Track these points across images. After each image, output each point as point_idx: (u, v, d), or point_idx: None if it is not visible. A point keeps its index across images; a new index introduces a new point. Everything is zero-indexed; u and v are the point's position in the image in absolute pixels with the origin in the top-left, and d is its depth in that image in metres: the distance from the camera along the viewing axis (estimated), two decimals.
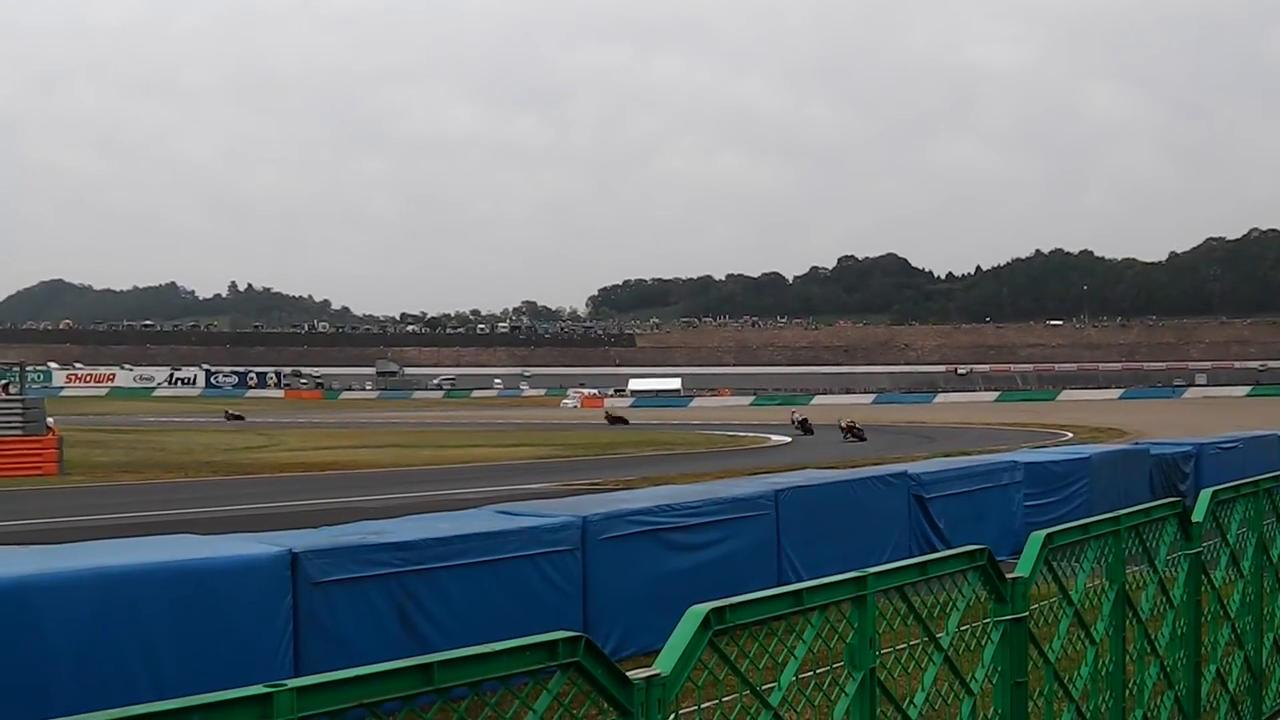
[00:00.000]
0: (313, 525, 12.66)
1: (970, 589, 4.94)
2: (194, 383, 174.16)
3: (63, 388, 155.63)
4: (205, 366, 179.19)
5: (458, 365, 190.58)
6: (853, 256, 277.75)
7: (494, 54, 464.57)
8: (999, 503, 19.96)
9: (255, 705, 2.55)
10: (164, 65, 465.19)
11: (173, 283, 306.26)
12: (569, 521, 12.23)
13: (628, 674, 3.26)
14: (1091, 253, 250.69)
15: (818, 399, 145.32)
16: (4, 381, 49.91)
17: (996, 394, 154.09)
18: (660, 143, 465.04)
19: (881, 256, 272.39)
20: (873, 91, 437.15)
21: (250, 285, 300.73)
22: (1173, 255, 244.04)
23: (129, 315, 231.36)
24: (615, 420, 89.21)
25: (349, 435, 68.43)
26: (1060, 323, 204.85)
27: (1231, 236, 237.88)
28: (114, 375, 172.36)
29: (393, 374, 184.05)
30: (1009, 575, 5.11)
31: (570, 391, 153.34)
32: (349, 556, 10.21)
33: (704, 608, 3.52)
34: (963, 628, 4.88)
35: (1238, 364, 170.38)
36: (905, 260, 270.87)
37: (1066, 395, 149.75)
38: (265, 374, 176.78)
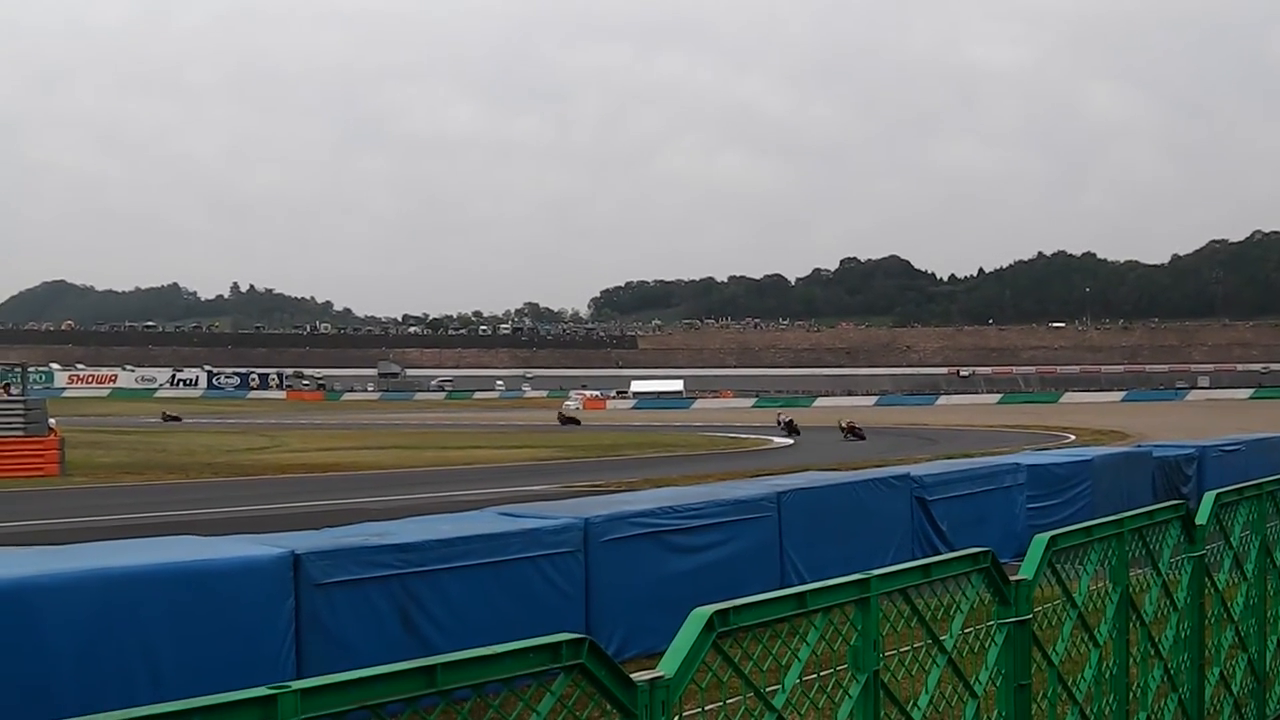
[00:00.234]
0: (315, 527, 12.66)
1: (974, 591, 4.93)
2: (196, 384, 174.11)
3: (64, 389, 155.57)
4: (207, 368, 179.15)
5: (459, 367, 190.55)
6: (855, 258, 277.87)
7: (495, 53, 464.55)
8: (1001, 505, 19.95)
9: (259, 707, 2.55)
10: (165, 64, 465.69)
11: (175, 284, 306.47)
12: (571, 523, 12.23)
13: (631, 676, 3.25)
14: (1094, 255, 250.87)
15: (820, 401, 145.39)
16: (6, 382, 49.92)
17: (999, 396, 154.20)
18: (662, 142, 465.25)
19: (884, 258, 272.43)
20: (874, 91, 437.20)
21: (252, 286, 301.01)
22: (1175, 257, 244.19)
23: (131, 316, 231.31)
24: (567, 421, 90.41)
25: (351, 436, 68.42)
26: (1062, 325, 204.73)
27: (1234, 239, 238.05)
28: (116, 376, 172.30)
29: (394, 375, 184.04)
30: (1012, 578, 5.11)
31: (572, 393, 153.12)
32: (351, 558, 10.21)
33: (708, 610, 3.51)
34: (966, 630, 4.87)
35: (1240, 367, 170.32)
36: (908, 262, 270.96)
37: (1069, 398, 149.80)
38: (267, 375, 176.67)
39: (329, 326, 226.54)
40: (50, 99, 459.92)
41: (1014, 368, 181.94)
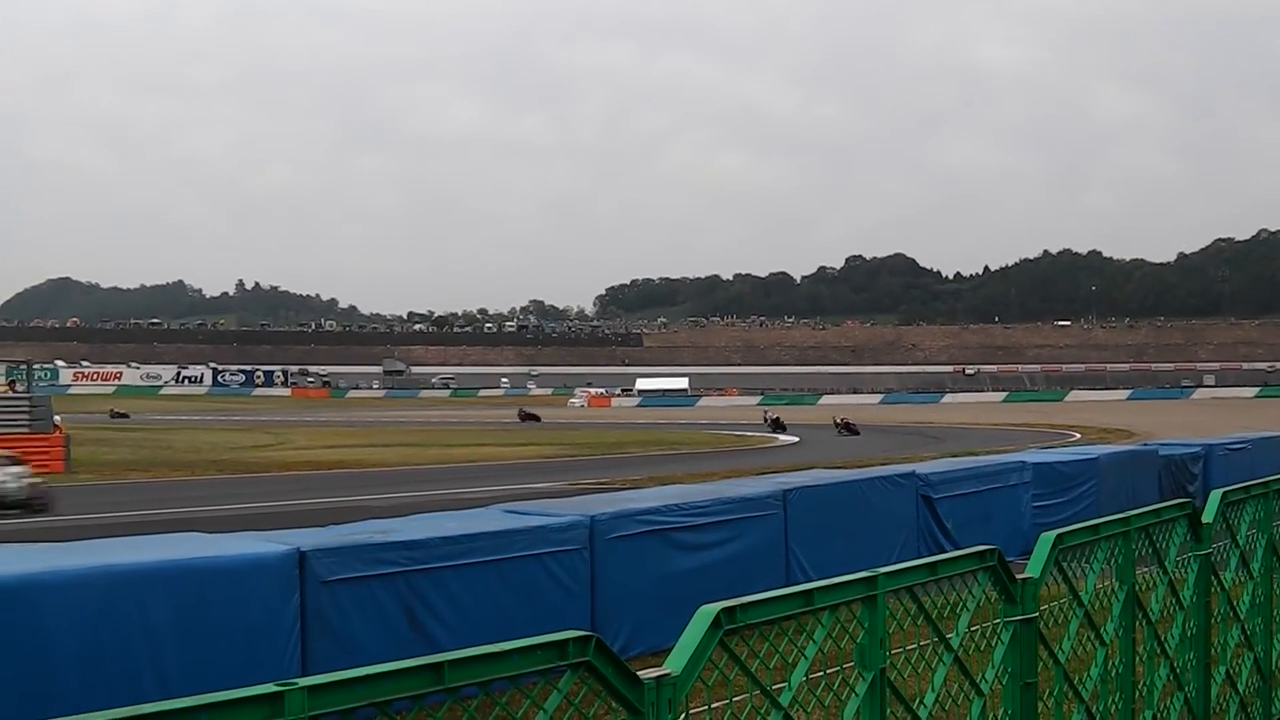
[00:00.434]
0: (320, 524, 12.67)
1: (980, 589, 4.92)
2: (201, 381, 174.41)
3: (70, 386, 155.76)
4: (212, 365, 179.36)
5: (464, 364, 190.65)
6: (860, 256, 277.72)
7: (501, 51, 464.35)
8: (1007, 503, 19.95)
9: (265, 704, 2.55)
10: (170, 62, 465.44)
11: (180, 281, 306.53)
12: (576, 521, 12.24)
13: (638, 674, 3.25)
14: (1100, 253, 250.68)
15: (825, 399, 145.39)
16: (11, 379, 49.91)
17: (1004, 394, 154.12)
18: (667, 141, 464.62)
19: (889, 256, 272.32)
20: (879, 90, 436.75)
21: (258, 284, 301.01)
22: (1181, 256, 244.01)
23: (136, 313, 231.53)
24: (527, 418, 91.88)
25: (356, 434, 68.50)
26: (1068, 323, 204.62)
27: (1240, 237, 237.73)
28: (121, 373, 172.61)
29: (399, 373, 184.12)
30: (1019, 576, 5.10)
31: (577, 391, 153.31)
32: (356, 555, 10.21)
33: (714, 607, 3.50)
34: (973, 628, 4.87)
35: (1246, 365, 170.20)
36: (913, 260, 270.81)
37: (1074, 396, 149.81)
38: (272, 372, 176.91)
39: (334, 324, 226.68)
40: (55, 97, 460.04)
41: (1019, 366, 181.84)
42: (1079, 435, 57.71)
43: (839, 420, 70.12)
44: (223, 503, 27.84)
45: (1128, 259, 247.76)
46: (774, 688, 3.70)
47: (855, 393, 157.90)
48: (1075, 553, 5.73)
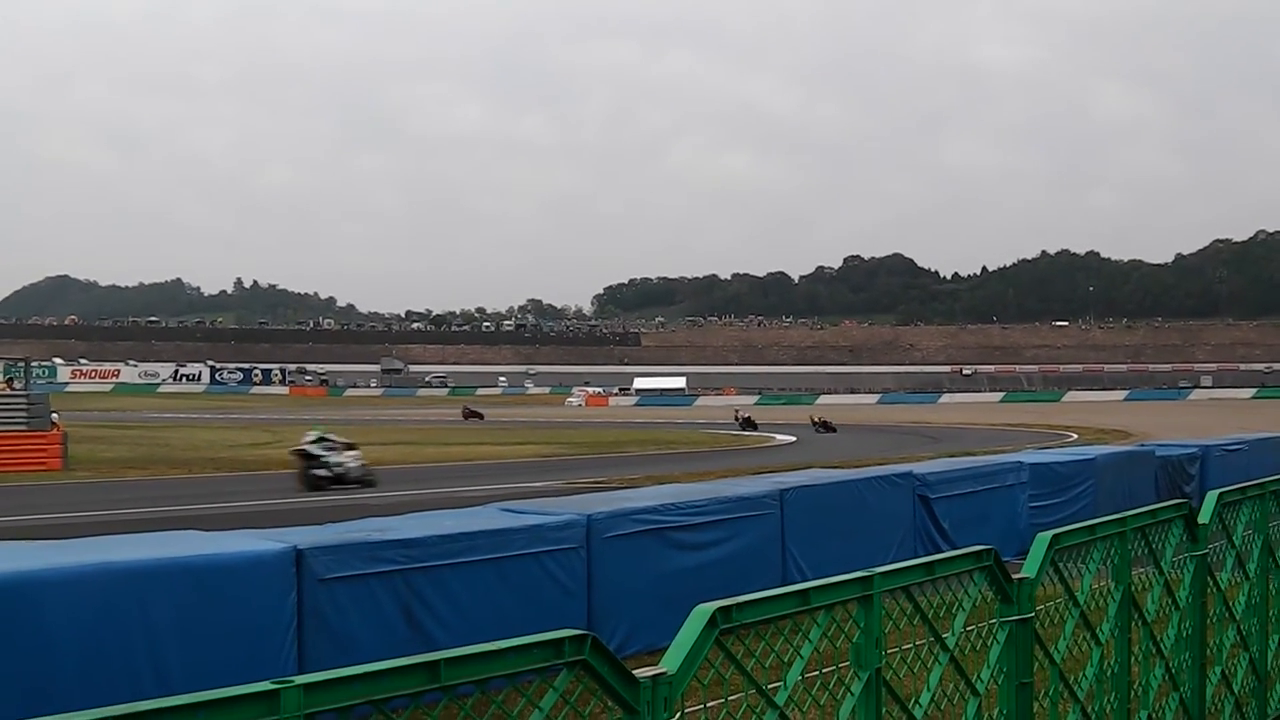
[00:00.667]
0: (318, 522, 12.67)
1: (976, 589, 4.93)
2: (199, 379, 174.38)
3: (68, 383, 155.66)
4: (210, 363, 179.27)
5: (462, 363, 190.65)
6: (858, 256, 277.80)
7: (502, 50, 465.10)
8: (1004, 503, 19.96)
9: (262, 702, 2.55)
10: (171, 61, 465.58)
11: (178, 279, 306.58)
12: (574, 519, 12.24)
13: (634, 672, 3.25)
14: (1098, 254, 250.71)
15: (823, 399, 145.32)
16: (9, 377, 49.97)
17: (1001, 395, 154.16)
18: (667, 141, 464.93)
19: (887, 256, 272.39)
20: (880, 90, 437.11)
21: (256, 282, 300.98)
22: (1179, 257, 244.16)
23: (134, 311, 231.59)
24: (471, 415, 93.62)
25: (354, 432, 68.27)
26: (1066, 324, 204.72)
27: (1238, 238, 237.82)
28: (119, 371, 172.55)
29: (397, 371, 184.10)
30: (1015, 576, 5.11)
31: (575, 390, 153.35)
32: (354, 553, 10.21)
33: (711, 606, 3.51)
34: (968, 628, 4.88)
35: (1243, 366, 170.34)
36: (911, 260, 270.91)
37: (1071, 396, 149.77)
38: (270, 371, 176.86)
39: (332, 322, 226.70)
40: (56, 96, 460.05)
41: (1017, 366, 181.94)
42: (1076, 436, 57.71)
43: (816, 419, 72.23)
44: (220, 501, 27.83)
45: (1126, 260, 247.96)
46: (770, 687, 3.70)
47: (853, 392, 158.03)
48: (1071, 553, 5.74)
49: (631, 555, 12.69)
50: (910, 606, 4.52)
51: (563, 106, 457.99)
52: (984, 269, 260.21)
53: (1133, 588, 6.24)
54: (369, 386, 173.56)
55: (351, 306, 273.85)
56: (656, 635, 11.61)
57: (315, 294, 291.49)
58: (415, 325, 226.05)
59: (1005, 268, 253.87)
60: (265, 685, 2.57)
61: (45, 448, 37.07)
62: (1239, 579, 7.71)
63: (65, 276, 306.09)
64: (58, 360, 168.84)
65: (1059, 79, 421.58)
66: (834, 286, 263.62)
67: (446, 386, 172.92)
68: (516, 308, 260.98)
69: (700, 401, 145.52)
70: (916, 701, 4.48)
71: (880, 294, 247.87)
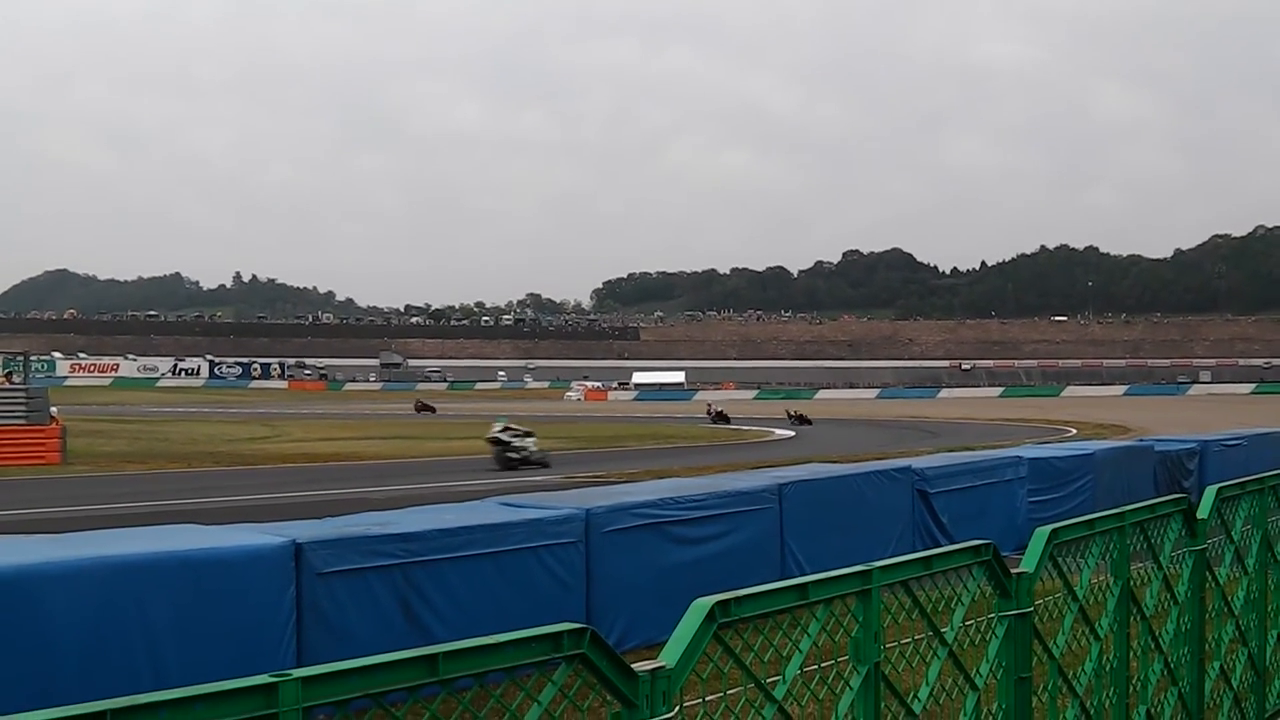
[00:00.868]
0: (317, 516, 12.67)
1: (975, 584, 4.93)
2: (198, 374, 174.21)
3: (66, 378, 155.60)
4: (209, 357, 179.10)
5: (462, 357, 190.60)
6: (858, 251, 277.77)
7: (501, 48, 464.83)
8: (1003, 498, 19.97)
9: (260, 695, 2.55)
10: (171, 59, 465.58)
11: (177, 273, 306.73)
12: (572, 514, 12.23)
13: (633, 666, 3.25)
14: (1097, 249, 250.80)
15: (822, 393, 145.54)
16: (8, 371, 49.88)
17: (1000, 390, 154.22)
18: (667, 137, 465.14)
19: (886, 251, 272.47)
20: (880, 87, 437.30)
21: (255, 276, 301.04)
22: (1178, 252, 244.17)
23: (133, 306, 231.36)
24: (423, 409, 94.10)
25: (353, 426, 68.47)
26: (1065, 319, 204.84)
27: (1237, 234, 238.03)
28: (118, 365, 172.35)
29: (396, 366, 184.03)
30: (1014, 570, 5.11)
31: (574, 384, 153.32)
32: (353, 548, 10.21)
33: (709, 600, 3.51)
34: (967, 623, 4.88)
35: (1242, 361, 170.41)
36: (910, 255, 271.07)
37: (1070, 391, 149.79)
38: (269, 365, 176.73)
39: (331, 317, 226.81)
40: (56, 93, 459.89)
41: (1016, 361, 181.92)
42: (1075, 431, 57.77)
43: (792, 412, 74.75)
44: (219, 494, 27.84)
45: (1125, 255, 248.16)
46: (768, 681, 3.70)
47: (851, 387, 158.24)
48: (1070, 548, 5.74)
49: (630, 550, 12.69)
50: (909, 601, 4.52)
51: (562, 104, 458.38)
52: (983, 264, 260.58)
53: (1131, 583, 6.24)
54: (368, 381, 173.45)
55: (350, 301, 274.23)
56: (655, 630, 11.63)
57: (314, 288, 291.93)
58: (414, 320, 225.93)
59: (1004, 263, 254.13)
60: (264, 678, 2.57)
61: (44, 442, 37.06)
62: (1237, 574, 7.71)
63: (64, 271, 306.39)
64: (56, 354, 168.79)
65: (1059, 78, 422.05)
66: (833, 281, 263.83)
67: (445, 381, 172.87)
68: (515, 302, 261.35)
69: (699, 396, 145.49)
70: (915, 696, 4.48)
71: (879, 289, 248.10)
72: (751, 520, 14.54)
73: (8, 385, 43.63)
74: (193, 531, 10.64)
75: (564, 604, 11.53)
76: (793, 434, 60.74)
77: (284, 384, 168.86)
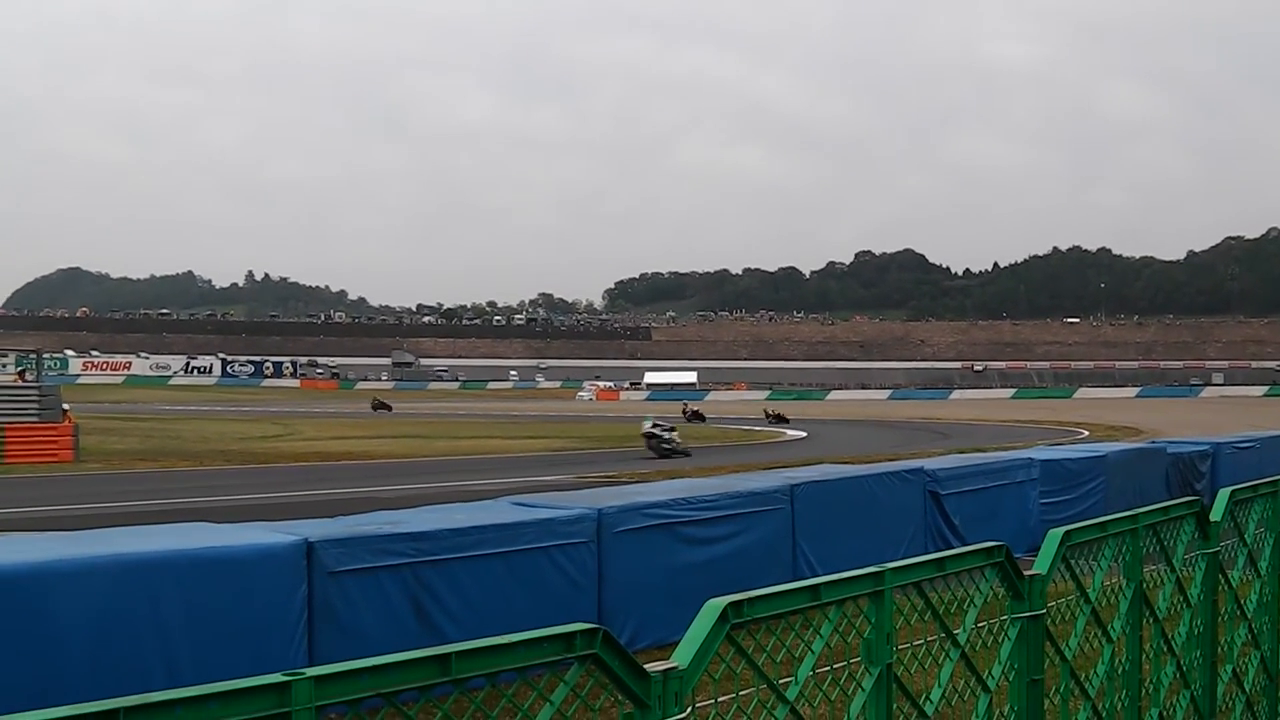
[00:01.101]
0: (328, 515, 12.68)
1: (988, 586, 4.92)
2: (210, 372, 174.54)
3: (79, 375, 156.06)
4: (221, 356, 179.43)
5: (473, 357, 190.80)
6: (870, 252, 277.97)
7: (515, 45, 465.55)
8: (1015, 500, 19.93)
9: (273, 694, 2.55)
10: (185, 53, 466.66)
11: (190, 272, 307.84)
12: (584, 514, 12.23)
13: (645, 667, 3.25)
14: (1109, 251, 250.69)
15: (833, 394, 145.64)
16: (21, 369, 49.98)
17: (1012, 391, 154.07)
18: (679, 135, 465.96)
19: (899, 252, 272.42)
20: (892, 87, 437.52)
21: (267, 275, 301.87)
22: (1191, 254, 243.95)
23: (146, 304, 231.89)
24: (379, 407, 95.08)
25: (365, 425, 68.55)
26: (1077, 320, 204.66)
27: (1250, 236, 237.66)
28: (130, 363, 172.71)
29: (408, 365, 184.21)
30: (1026, 573, 5.10)
31: (586, 384, 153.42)
32: (365, 546, 10.22)
33: (722, 601, 3.50)
34: (980, 624, 4.87)
35: (1255, 364, 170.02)
36: (922, 256, 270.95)
37: (1083, 393, 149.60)
38: (281, 364, 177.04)
39: (343, 315, 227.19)
40: (69, 87, 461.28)
41: (1028, 363, 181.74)
42: (1087, 433, 57.64)
43: (770, 412, 76.08)
44: (231, 493, 27.88)
45: (1137, 256, 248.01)
46: (781, 682, 3.70)
47: (863, 388, 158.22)
48: (1083, 550, 5.73)
49: (642, 550, 12.69)
50: (922, 602, 4.51)
51: (575, 101, 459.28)
52: (995, 265, 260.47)
53: (1144, 585, 6.23)
54: (380, 380, 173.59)
55: (363, 300, 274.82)
56: (666, 630, 11.64)
57: (327, 287, 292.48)
58: (426, 319, 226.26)
59: (1017, 264, 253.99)
60: (276, 677, 2.56)
61: (56, 439, 37.15)
62: (1250, 577, 7.68)
63: (77, 269, 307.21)
64: (69, 352, 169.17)
65: (1072, 77, 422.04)
66: (845, 282, 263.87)
67: (457, 380, 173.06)
68: (528, 302, 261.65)
69: (711, 396, 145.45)
70: (927, 698, 4.47)
71: (891, 289, 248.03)
72: (763, 521, 14.53)
73: (20, 383, 43.75)
74: (204, 530, 10.65)
75: (575, 604, 11.53)
76: (804, 434, 60.67)
77: (296, 382, 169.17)
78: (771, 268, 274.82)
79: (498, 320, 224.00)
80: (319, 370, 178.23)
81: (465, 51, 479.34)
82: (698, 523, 13.56)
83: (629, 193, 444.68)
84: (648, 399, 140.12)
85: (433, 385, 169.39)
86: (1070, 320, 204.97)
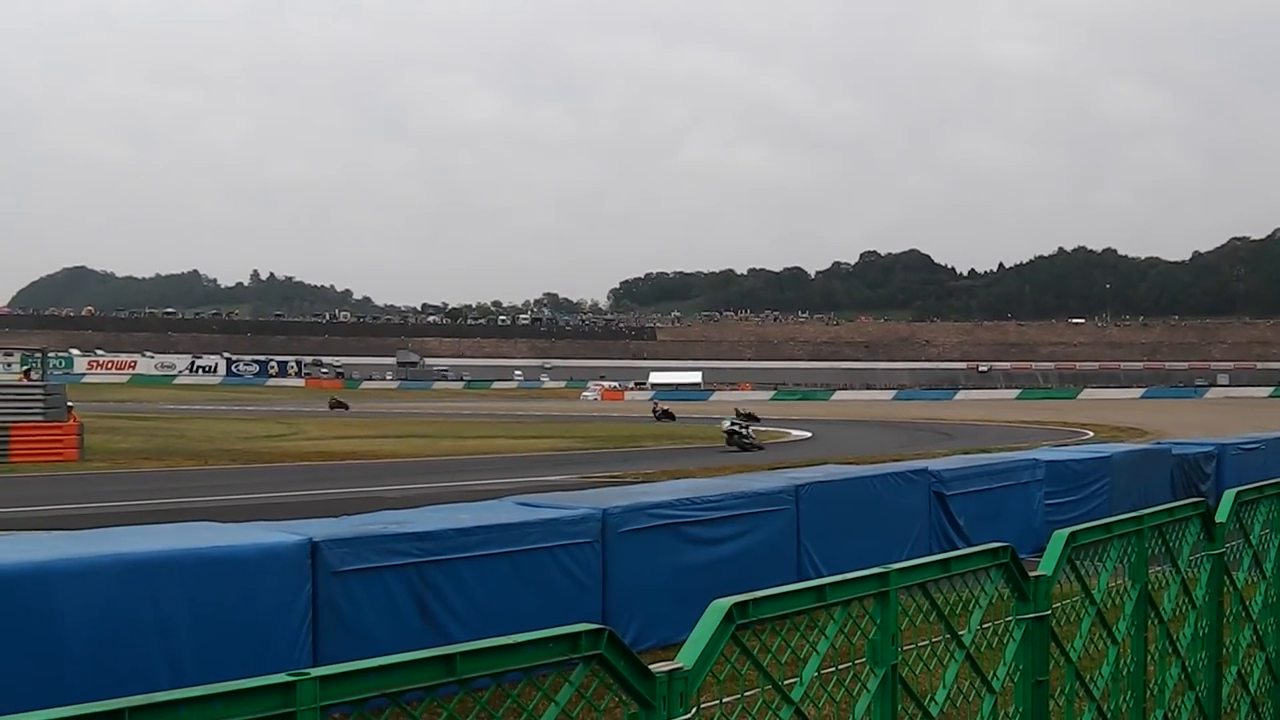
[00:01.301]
0: (333, 514, 12.68)
1: (993, 587, 4.92)
2: (215, 371, 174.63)
3: (84, 375, 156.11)
4: (226, 355, 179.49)
5: (478, 357, 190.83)
6: (875, 252, 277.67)
7: (519, 44, 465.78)
8: (1019, 501, 19.92)
9: (278, 694, 2.55)
10: (188, 52, 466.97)
11: (195, 271, 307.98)
12: (589, 514, 12.23)
13: (650, 667, 3.25)
14: (1115, 251, 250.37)
15: (838, 394, 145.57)
16: (26, 368, 50.03)
17: (1017, 392, 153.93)
18: (683, 135, 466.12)
19: (904, 252, 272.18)
20: (897, 87, 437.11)
21: (272, 274, 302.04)
22: (1196, 255, 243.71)
23: (151, 303, 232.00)
24: (337, 405, 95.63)
25: (369, 425, 68.55)
26: (1082, 321, 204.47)
27: (1256, 236, 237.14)
28: (135, 363, 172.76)
29: (413, 364, 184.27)
30: (1031, 574, 5.09)
31: (590, 384, 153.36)
32: (369, 546, 10.22)
33: (727, 601, 3.50)
34: (985, 625, 4.86)
35: (1260, 365, 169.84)
36: (928, 256, 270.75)
37: (1088, 394, 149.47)
38: (286, 363, 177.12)
39: (348, 315, 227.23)
40: (73, 87, 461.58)
41: (1033, 363, 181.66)
42: (1092, 433, 57.56)
43: (740, 410, 74.26)
44: (235, 492, 27.89)
45: (1143, 257, 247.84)
46: (786, 682, 3.69)
47: (868, 388, 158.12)
48: (1088, 551, 5.72)
49: (647, 550, 12.68)
50: (927, 603, 4.50)
51: (578, 100, 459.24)
52: (1000, 265, 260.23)
53: (1149, 586, 6.22)
54: (385, 379, 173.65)
55: (368, 299, 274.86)
56: (671, 630, 11.63)
57: (332, 286, 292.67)
58: (431, 318, 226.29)
59: (1022, 264, 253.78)
60: (281, 677, 2.56)
61: (61, 438, 37.18)
62: (1255, 578, 7.67)
63: (82, 268, 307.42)
64: (74, 351, 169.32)
65: (1074, 77, 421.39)
66: (850, 282, 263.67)
67: (462, 380, 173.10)
68: (532, 301, 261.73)
69: (716, 396, 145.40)
70: (932, 699, 4.47)
71: (896, 290, 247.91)
72: (768, 521, 14.53)
73: (26, 382, 43.79)
74: (209, 529, 10.66)
75: (580, 604, 11.53)
76: (809, 435, 60.65)
77: (301, 382, 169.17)
78: (776, 268, 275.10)
79: (502, 320, 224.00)
80: (324, 369, 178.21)
81: (467, 51, 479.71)
82: (702, 523, 13.56)
83: (632, 192, 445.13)
84: (651, 399, 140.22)
85: (437, 385, 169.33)
86: (1075, 321, 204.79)
